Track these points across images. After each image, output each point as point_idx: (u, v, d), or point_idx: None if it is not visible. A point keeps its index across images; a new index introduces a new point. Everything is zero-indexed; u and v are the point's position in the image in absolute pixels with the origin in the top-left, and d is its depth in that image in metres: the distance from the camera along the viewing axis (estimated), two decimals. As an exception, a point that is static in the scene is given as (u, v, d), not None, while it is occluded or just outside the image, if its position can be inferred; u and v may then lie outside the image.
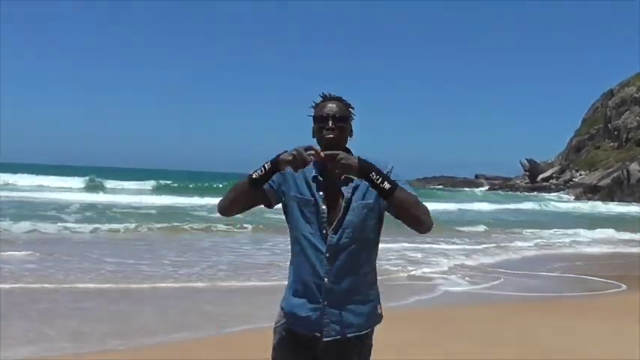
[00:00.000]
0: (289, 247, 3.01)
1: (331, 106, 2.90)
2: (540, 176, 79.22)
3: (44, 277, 9.81)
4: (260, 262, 12.59)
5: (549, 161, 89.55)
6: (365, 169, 2.69)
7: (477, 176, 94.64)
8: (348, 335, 2.87)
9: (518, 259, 15.44)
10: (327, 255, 2.84)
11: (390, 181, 2.70)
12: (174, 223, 19.04)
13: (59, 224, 17.12)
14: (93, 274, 10.42)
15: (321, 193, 2.87)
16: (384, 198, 2.74)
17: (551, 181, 76.85)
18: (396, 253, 14.04)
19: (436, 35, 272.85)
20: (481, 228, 22.73)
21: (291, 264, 3.01)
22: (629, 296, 10.54)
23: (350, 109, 2.95)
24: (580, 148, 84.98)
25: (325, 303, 2.85)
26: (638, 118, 76.39)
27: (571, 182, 72.98)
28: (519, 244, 18.49)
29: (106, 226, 17.32)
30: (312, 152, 2.70)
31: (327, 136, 2.85)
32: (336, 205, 2.86)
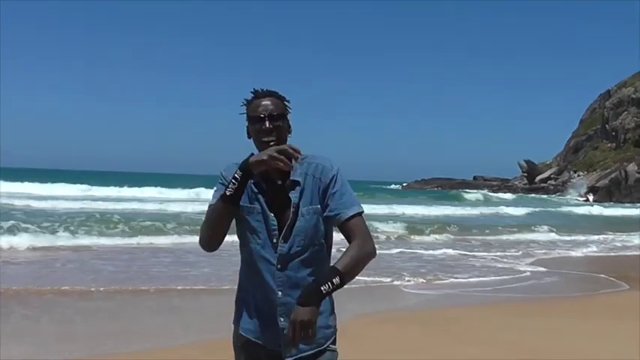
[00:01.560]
0: None
1: (266, 104, 2.65)
2: (538, 177, 79.29)
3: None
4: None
5: (547, 162, 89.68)
6: (318, 303, 2.47)
7: (474, 178, 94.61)
8: (309, 352, 2.64)
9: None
10: (279, 266, 2.61)
11: (335, 275, 2.48)
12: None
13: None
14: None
15: (264, 198, 2.64)
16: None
17: (549, 182, 76.91)
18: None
19: (435, 37, 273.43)
20: (548, 235, 21.85)
21: (241, 278, 2.78)
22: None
23: (286, 103, 2.71)
24: (578, 149, 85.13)
25: (282, 319, 2.62)
26: (635, 118, 76.48)
27: (569, 183, 73.02)
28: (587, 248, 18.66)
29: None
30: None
31: (266, 139, 2.60)
32: (284, 212, 2.62)
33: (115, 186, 41.62)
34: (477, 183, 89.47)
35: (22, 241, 14.05)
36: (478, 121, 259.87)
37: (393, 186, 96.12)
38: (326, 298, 2.57)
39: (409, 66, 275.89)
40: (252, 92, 2.69)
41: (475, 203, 48.37)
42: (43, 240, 14.43)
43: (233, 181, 2.53)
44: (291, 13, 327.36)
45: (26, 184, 39.09)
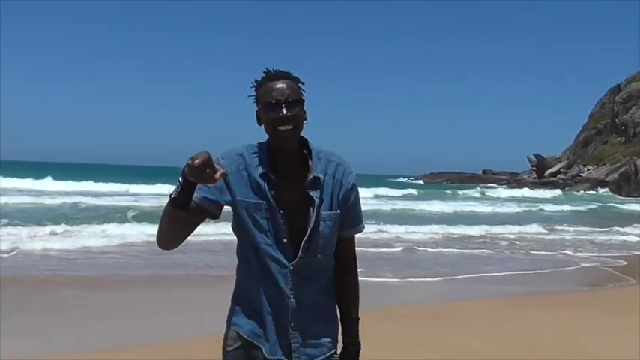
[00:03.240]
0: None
1: (281, 88, 2.33)
2: (548, 171, 78.88)
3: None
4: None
5: (556, 156, 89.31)
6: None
7: (484, 172, 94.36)
8: (320, 358, 2.50)
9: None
10: (292, 269, 2.39)
11: (358, 324, 2.60)
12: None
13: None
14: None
15: (272, 192, 2.37)
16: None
17: (558, 176, 76.52)
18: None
19: (443, 29, 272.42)
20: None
21: (242, 278, 2.52)
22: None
23: (301, 86, 2.40)
24: (587, 143, 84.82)
25: (292, 324, 2.43)
26: (645, 112, 76.08)
27: (578, 177, 72.71)
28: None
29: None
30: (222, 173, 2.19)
31: (283, 128, 2.32)
32: (295, 211, 2.38)
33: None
34: (486, 177, 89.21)
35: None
36: (486, 115, 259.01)
37: (402, 179, 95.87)
38: (331, 309, 2.58)
39: (415, 57, 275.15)
40: (263, 72, 2.39)
41: (522, 200, 45.03)
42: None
43: (178, 185, 2.23)
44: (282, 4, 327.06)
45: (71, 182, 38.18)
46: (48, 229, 15.12)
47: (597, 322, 7.86)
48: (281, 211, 2.36)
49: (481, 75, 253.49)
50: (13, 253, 11.76)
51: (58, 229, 15.32)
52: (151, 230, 15.56)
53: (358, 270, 2.62)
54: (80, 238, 14.01)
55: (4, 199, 22.77)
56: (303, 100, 2.39)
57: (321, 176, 2.40)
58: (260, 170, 2.37)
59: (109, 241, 13.81)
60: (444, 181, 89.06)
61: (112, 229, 15.69)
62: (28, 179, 37.24)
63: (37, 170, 48.54)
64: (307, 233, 2.38)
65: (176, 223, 2.33)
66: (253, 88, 2.41)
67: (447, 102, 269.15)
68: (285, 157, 2.39)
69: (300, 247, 2.39)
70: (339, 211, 2.44)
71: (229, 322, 2.54)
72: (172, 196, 2.24)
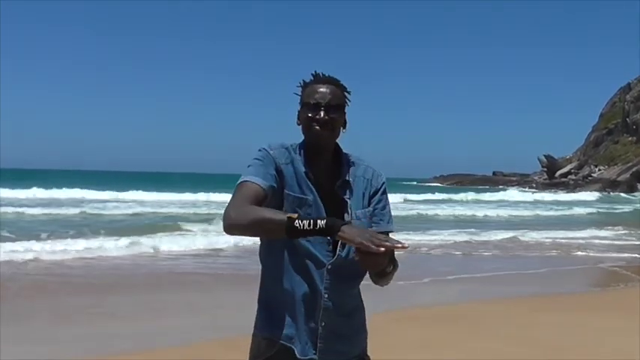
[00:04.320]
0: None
1: (324, 92, 2.40)
2: (558, 172, 78.69)
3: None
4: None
5: (567, 157, 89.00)
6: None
7: (494, 173, 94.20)
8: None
9: None
10: (329, 268, 2.36)
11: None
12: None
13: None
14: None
15: (316, 191, 2.39)
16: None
17: (569, 176, 76.30)
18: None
19: (452, 30, 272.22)
20: None
21: (271, 277, 2.45)
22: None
23: (346, 94, 2.46)
24: (598, 143, 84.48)
25: (323, 324, 2.39)
26: (656, 111, 75.72)
27: (590, 178, 72.41)
28: None
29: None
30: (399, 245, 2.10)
31: (317, 129, 2.38)
32: (334, 211, 2.37)
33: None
34: (497, 178, 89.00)
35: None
36: (497, 117, 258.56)
37: (415, 182, 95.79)
38: (361, 318, 2.53)
39: (424, 59, 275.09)
40: (312, 74, 2.46)
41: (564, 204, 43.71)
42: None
43: (312, 223, 2.13)
44: (287, 7, 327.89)
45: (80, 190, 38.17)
46: (56, 240, 15.10)
47: (616, 323, 7.73)
48: (324, 209, 2.38)
49: (489, 76, 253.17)
50: (21, 262, 11.76)
51: (66, 238, 15.30)
52: (156, 241, 15.67)
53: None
54: (90, 247, 13.99)
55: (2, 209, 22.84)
56: (344, 107, 2.44)
57: (351, 179, 2.45)
58: (304, 168, 2.40)
59: (119, 250, 13.77)
60: (454, 183, 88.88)
61: (121, 237, 15.66)
62: (32, 189, 36.70)
63: (39, 178, 48.59)
64: None
65: (264, 234, 2.29)
66: (300, 88, 2.47)
67: (453, 104, 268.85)
68: (319, 159, 2.42)
69: (338, 246, 2.35)
70: (371, 208, 2.48)
71: (261, 329, 2.49)
72: (296, 225, 2.13)
